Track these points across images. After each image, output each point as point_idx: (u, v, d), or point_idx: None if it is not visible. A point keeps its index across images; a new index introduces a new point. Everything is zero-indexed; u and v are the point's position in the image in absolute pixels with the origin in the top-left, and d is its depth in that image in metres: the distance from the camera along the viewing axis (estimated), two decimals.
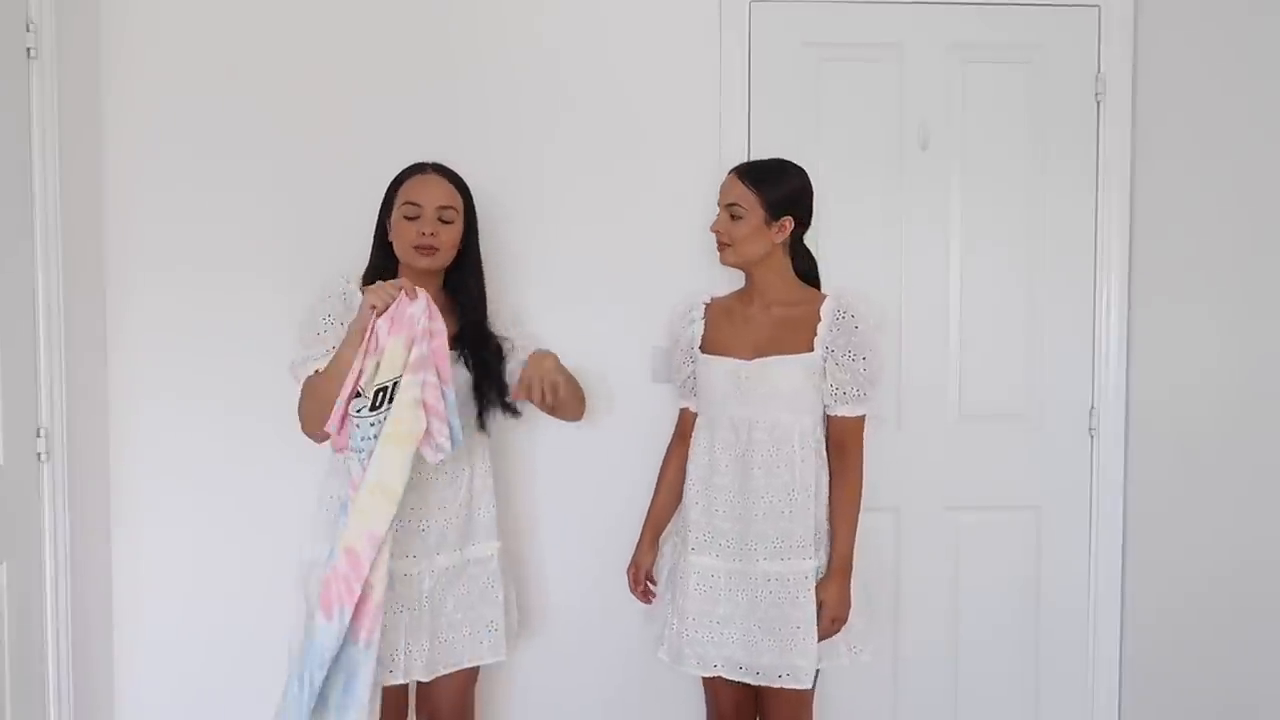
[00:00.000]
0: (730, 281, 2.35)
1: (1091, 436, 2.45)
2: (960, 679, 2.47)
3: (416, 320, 1.75)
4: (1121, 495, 2.45)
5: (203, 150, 2.29)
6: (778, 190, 2.01)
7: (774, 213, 2.00)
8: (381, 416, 1.73)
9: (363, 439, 1.75)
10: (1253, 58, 2.39)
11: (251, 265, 2.29)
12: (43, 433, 2.07)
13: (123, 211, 2.29)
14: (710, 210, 2.35)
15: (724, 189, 2.05)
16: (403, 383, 1.72)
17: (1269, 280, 2.41)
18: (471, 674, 2.07)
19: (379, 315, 1.75)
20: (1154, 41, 2.40)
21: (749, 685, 2.02)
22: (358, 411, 1.75)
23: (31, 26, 2.03)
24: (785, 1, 2.37)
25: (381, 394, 1.74)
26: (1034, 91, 2.41)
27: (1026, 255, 2.43)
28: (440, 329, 1.78)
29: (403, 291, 1.77)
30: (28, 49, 2.03)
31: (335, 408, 1.77)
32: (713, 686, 2.11)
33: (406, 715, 2.10)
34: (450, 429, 1.77)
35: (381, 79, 2.31)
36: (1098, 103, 2.41)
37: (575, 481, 2.38)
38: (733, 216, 2.01)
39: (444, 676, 1.99)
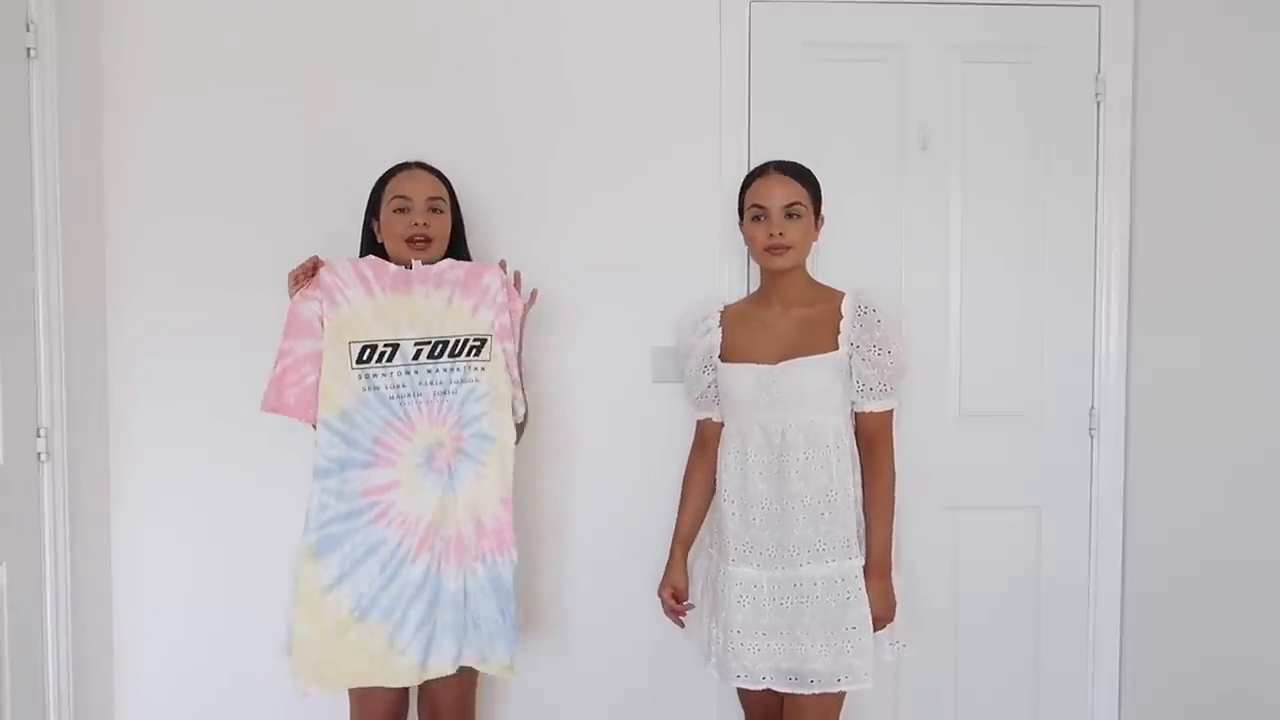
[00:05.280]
0: (729, 281, 2.36)
1: (1091, 436, 2.45)
2: (960, 678, 2.47)
3: (491, 291, 1.98)
4: (1121, 495, 2.45)
5: (203, 150, 2.29)
6: (817, 188, 2.05)
7: (817, 211, 2.03)
8: (460, 366, 1.96)
9: (392, 386, 1.95)
10: (1252, 58, 2.39)
11: (252, 265, 2.28)
12: (43, 433, 2.07)
13: (123, 211, 2.29)
14: (711, 209, 2.36)
15: (771, 190, 2.00)
16: (496, 348, 1.98)
17: (1269, 280, 2.41)
18: (472, 674, 2.07)
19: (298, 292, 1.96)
20: (1154, 41, 2.40)
21: (777, 692, 1.98)
22: (377, 360, 1.95)
23: (31, 26, 2.03)
24: (785, 1, 2.37)
25: (442, 346, 1.96)
26: (1034, 91, 2.41)
27: (1026, 255, 2.43)
28: (517, 308, 2.01)
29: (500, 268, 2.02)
30: (28, 49, 2.03)
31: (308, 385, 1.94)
32: (747, 697, 2.08)
33: (406, 715, 2.10)
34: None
35: (383, 81, 2.31)
36: (1098, 103, 2.41)
37: (576, 481, 2.38)
38: (790, 216, 1.98)
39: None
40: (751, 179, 2.06)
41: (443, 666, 1.93)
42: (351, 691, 2.03)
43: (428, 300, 1.97)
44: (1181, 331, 2.42)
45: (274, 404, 1.95)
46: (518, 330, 2.02)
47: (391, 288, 1.97)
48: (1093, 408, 2.45)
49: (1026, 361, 2.44)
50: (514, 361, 1.99)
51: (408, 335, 1.96)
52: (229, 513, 2.32)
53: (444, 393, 1.96)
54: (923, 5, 2.38)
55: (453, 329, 1.97)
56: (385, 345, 1.95)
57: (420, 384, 1.95)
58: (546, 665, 2.39)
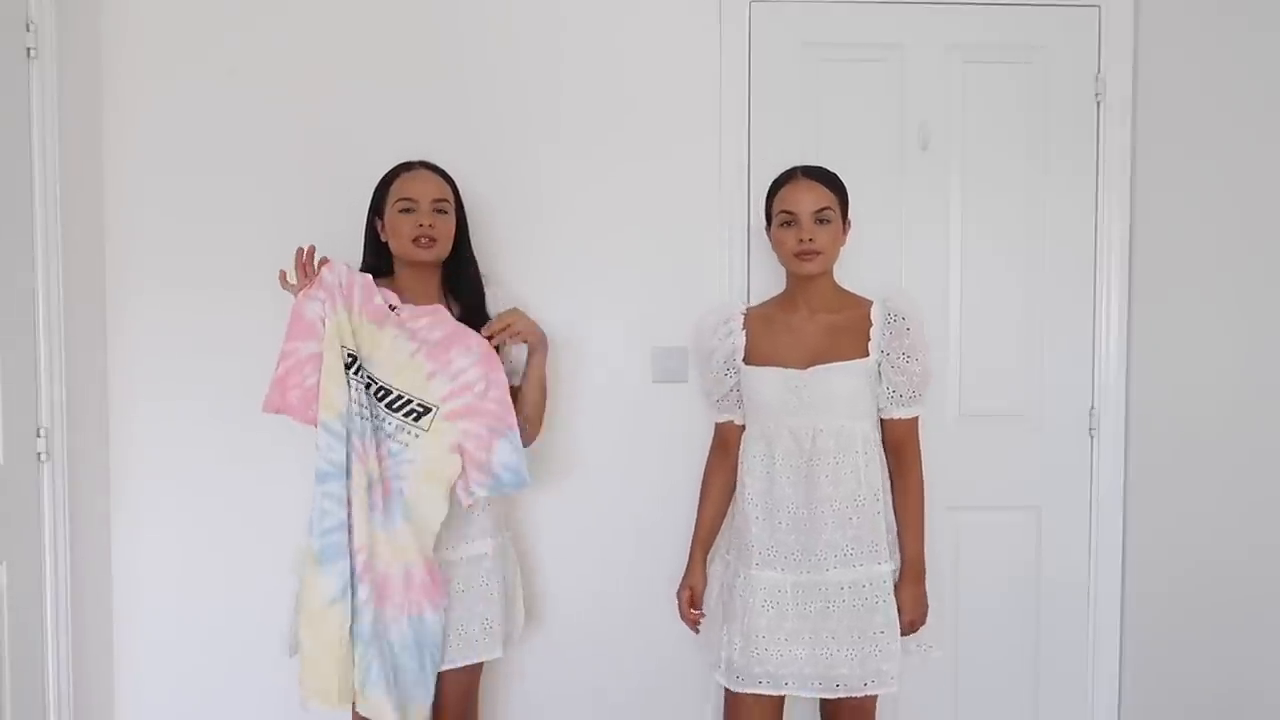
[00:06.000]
0: (729, 281, 2.36)
1: (1091, 436, 2.45)
2: (960, 678, 2.47)
3: (454, 367, 1.94)
4: (1121, 495, 2.45)
5: (203, 150, 2.29)
6: (844, 192, 2.04)
7: (845, 215, 2.03)
8: (394, 422, 1.92)
9: (353, 401, 1.90)
10: (1252, 58, 2.39)
11: (252, 265, 2.27)
12: (43, 433, 2.07)
13: (122, 211, 2.29)
14: (711, 209, 2.36)
15: (801, 195, 1.99)
16: (440, 425, 1.92)
17: (1268, 280, 2.41)
18: (473, 674, 2.07)
19: (300, 292, 1.94)
20: (1154, 41, 2.39)
21: (777, 700, 1.99)
22: (353, 373, 1.92)
23: (31, 26, 2.03)
24: (785, 1, 2.37)
25: (385, 393, 1.92)
26: (1034, 91, 2.41)
27: (1026, 255, 2.43)
28: (500, 380, 1.96)
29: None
30: (28, 49, 2.03)
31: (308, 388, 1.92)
32: (740, 700, 2.02)
33: None
34: (495, 478, 1.95)
35: (383, 80, 2.31)
36: (1098, 103, 2.41)
37: (577, 482, 2.38)
38: (821, 221, 1.98)
39: (446, 672, 2.00)
40: (779, 184, 2.05)
41: (382, 707, 1.88)
42: None
43: (394, 343, 1.94)
44: (1181, 331, 2.42)
45: (277, 404, 1.94)
46: (534, 379, 2.06)
47: (370, 316, 1.94)
48: (1093, 408, 2.45)
49: (1026, 361, 2.44)
50: (475, 443, 1.92)
51: (365, 368, 1.94)
52: (229, 513, 2.32)
53: (381, 431, 1.93)
54: (923, 5, 2.38)
55: (401, 383, 1.94)
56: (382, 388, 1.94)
57: (367, 414, 1.92)
58: (547, 665, 2.39)
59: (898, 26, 2.38)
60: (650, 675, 2.40)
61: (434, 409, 1.93)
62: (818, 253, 1.97)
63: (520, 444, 1.96)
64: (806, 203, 1.98)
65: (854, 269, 2.29)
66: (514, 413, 1.97)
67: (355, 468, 1.89)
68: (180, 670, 2.35)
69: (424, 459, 1.92)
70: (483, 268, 2.14)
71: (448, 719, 2.06)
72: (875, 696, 1.99)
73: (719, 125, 2.36)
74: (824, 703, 2.06)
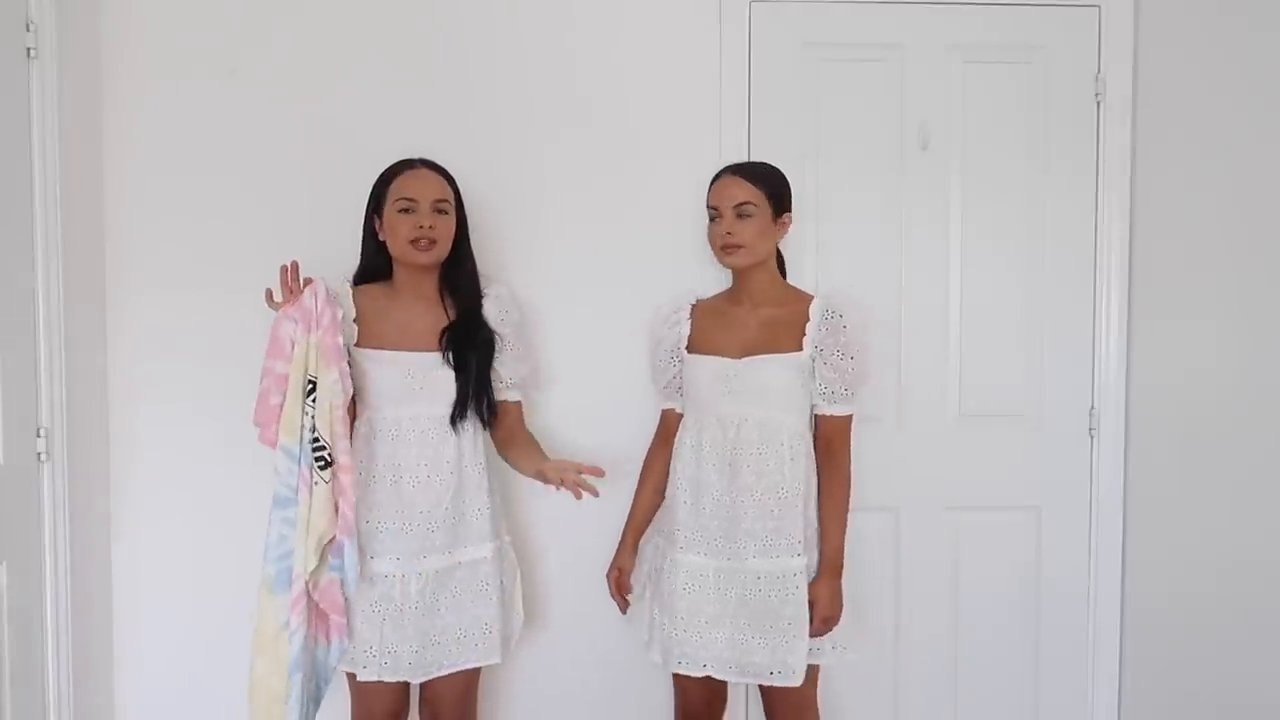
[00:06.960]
0: (729, 279, 2.36)
1: (1091, 436, 2.45)
2: (960, 679, 2.47)
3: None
4: (1121, 495, 2.45)
5: (204, 150, 2.29)
6: (777, 187, 2.06)
7: (777, 209, 2.04)
8: (306, 462, 1.88)
9: (305, 429, 1.88)
10: (1252, 58, 2.40)
11: (252, 265, 2.26)
12: (43, 433, 2.07)
13: (123, 211, 2.29)
14: None
15: (723, 191, 2.04)
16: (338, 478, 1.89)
17: (1268, 280, 2.41)
18: (473, 675, 2.07)
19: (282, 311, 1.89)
20: (1154, 41, 2.40)
21: (719, 684, 2.03)
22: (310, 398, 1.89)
23: (31, 26, 2.03)
24: (785, 1, 2.37)
25: (316, 440, 1.88)
26: (1034, 92, 2.41)
27: (1026, 255, 2.43)
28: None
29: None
30: (28, 49, 2.03)
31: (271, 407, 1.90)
32: (683, 683, 2.10)
33: (406, 714, 2.10)
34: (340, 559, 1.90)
35: (385, 81, 2.31)
36: (1098, 103, 2.41)
37: None
38: (741, 216, 2.01)
39: (444, 677, 2.00)
40: (711, 182, 2.10)
41: None
42: (351, 686, 2.03)
43: (332, 387, 1.88)
44: (1181, 331, 2.43)
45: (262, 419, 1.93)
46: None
47: (323, 350, 1.88)
48: (1093, 408, 2.45)
49: (1026, 361, 2.44)
50: (344, 521, 1.88)
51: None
52: (230, 513, 2.32)
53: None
54: (923, 5, 2.38)
55: (323, 425, 1.87)
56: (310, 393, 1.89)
57: (305, 429, 1.89)
58: (547, 667, 2.39)
59: (898, 26, 2.38)
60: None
61: (333, 463, 1.88)
62: (739, 246, 2.01)
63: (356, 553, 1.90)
64: (727, 198, 2.03)
65: (854, 269, 2.30)
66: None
67: (302, 494, 1.87)
68: (181, 671, 2.34)
69: (310, 513, 1.87)
70: (482, 267, 2.13)
71: None
72: (812, 690, 2.03)
73: (719, 125, 2.36)
74: (763, 695, 2.09)
